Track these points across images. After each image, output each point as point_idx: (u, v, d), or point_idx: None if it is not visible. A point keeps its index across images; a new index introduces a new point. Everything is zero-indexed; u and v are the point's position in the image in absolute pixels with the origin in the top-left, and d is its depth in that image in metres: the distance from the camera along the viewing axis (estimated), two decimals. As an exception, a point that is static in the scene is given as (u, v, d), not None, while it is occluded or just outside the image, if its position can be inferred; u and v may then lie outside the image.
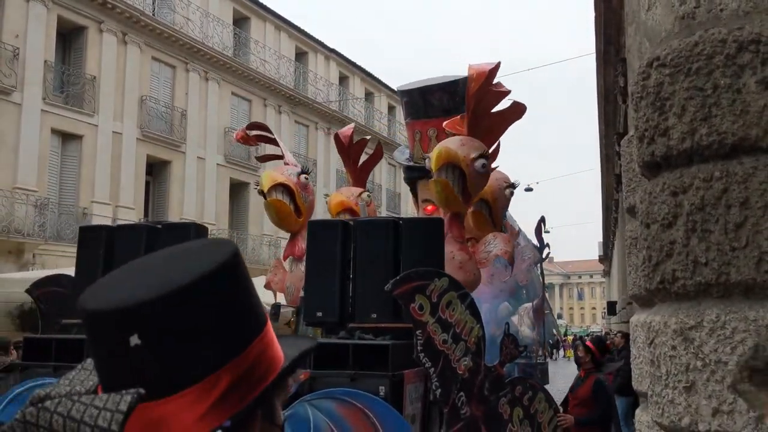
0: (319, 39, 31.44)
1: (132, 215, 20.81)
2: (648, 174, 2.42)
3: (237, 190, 25.84)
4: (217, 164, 24.62)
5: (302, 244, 5.94)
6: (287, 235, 23.85)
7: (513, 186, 6.03)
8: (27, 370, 4.13)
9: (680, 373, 2.10)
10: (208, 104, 24.37)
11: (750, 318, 1.97)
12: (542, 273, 8.91)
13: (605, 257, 59.76)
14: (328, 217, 6.60)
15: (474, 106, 5.45)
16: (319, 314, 4.23)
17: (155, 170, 22.83)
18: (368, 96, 35.54)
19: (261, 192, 5.80)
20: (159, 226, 4.53)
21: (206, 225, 22.49)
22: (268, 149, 6.85)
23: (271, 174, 5.87)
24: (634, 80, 2.44)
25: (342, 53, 33.08)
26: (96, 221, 19.50)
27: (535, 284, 8.53)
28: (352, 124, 7.64)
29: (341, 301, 4.24)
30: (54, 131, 19.08)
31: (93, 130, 19.99)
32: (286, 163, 6.30)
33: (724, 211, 2.08)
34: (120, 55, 21.12)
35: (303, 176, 5.95)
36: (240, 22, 26.87)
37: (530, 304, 9.08)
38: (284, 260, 6.25)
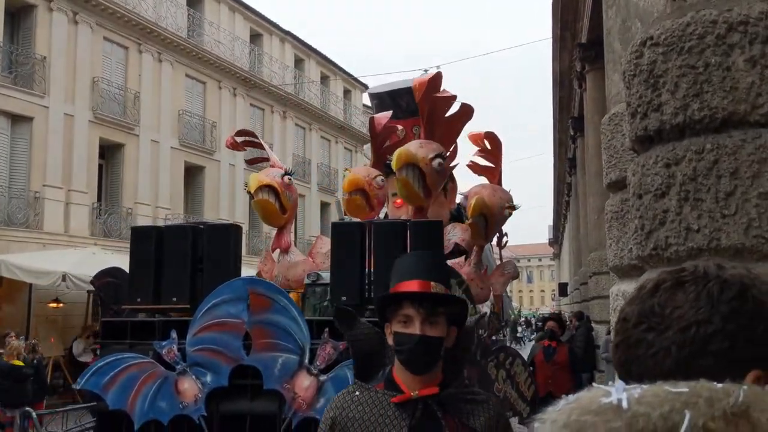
0: (274, 21, 31.16)
1: (85, 199, 20.40)
2: (640, 148, 2.56)
3: (192, 173, 25.51)
4: (172, 147, 24.21)
5: (287, 237, 6.55)
6: (244, 219, 23.56)
7: (513, 208, 6.58)
8: (106, 347, 4.88)
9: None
10: (162, 86, 23.94)
11: (739, 280, 2.12)
12: (501, 258, 9.48)
13: (555, 240, 61.01)
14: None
15: (427, 114, 6.08)
16: (344, 298, 4.85)
17: (108, 153, 22.35)
18: (324, 79, 35.36)
19: (249, 193, 6.31)
20: (201, 226, 5.24)
21: (161, 209, 22.28)
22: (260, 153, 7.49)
23: (257, 177, 6.36)
24: (626, 59, 2.57)
25: (297, 36, 32.82)
26: (48, 206, 19.07)
27: (493, 267, 9.11)
28: (390, 112, 8.04)
29: (360, 286, 4.92)
30: (3, 113, 18.54)
31: (44, 111, 19.47)
32: (272, 166, 6.76)
33: (715, 181, 2.23)
34: (71, 35, 20.59)
35: (286, 177, 6.38)
36: (194, 2, 26.39)
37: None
38: (272, 252, 6.66)
